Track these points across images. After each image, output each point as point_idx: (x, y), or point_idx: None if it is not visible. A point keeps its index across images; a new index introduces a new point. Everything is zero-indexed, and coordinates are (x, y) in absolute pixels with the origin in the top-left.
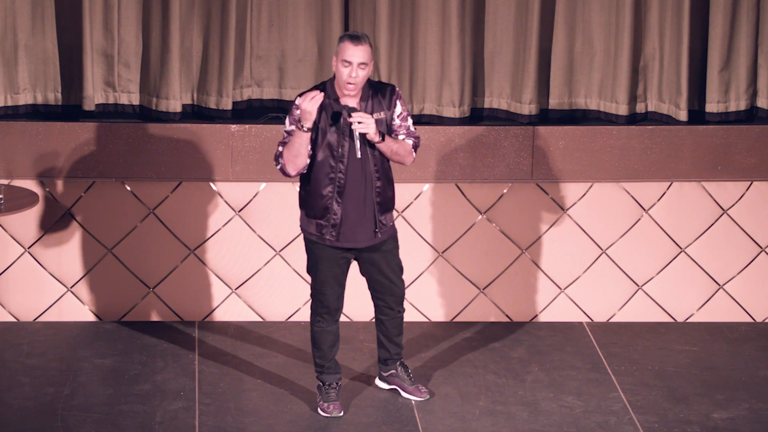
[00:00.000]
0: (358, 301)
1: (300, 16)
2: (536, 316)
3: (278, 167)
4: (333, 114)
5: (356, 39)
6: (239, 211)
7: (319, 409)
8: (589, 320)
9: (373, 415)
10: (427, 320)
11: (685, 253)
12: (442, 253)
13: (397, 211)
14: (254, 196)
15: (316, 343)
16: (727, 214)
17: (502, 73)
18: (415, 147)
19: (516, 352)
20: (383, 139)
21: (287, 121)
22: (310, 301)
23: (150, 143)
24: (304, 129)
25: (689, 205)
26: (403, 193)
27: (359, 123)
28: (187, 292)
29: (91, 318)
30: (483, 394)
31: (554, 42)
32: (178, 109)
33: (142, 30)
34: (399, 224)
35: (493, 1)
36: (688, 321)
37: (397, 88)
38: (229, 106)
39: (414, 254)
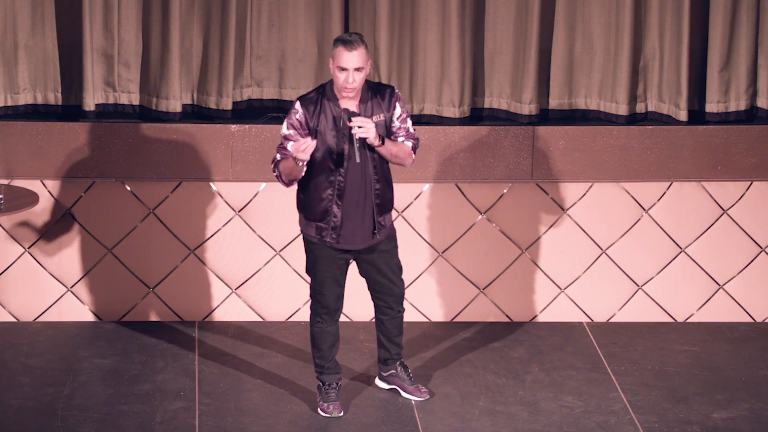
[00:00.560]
0: (358, 301)
1: (300, 16)
2: (536, 316)
3: (275, 174)
4: (333, 118)
5: (349, 44)
6: (239, 211)
7: (319, 409)
8: (589, 320)
9: (373, 415)
10: (427, 320)
11: (685, 253)
12: (442, 253)
13: (397, 211)
14: (254, 196)
15: (316, 343)
16: (727, 214)
17: (502, 73)
18: (415, 149)
19: (516, 352)
20: (383, 143)
21: (284, 125)
22: (310, 301)
23: (150, 143)
24: (299, 164)
25: (689, 205)
26: (402, 193)
27: (359, 128)
28: (187, 292)
29: (91, 318)
30: (483, 394)
31: (554, 42)
32: (178, 109)
33: (142, 30)
34: (399, 224)
35: (493, 1)
36: (688, 321)
37: (397, 90)
38: (229, 106)
39: (414, 254)
